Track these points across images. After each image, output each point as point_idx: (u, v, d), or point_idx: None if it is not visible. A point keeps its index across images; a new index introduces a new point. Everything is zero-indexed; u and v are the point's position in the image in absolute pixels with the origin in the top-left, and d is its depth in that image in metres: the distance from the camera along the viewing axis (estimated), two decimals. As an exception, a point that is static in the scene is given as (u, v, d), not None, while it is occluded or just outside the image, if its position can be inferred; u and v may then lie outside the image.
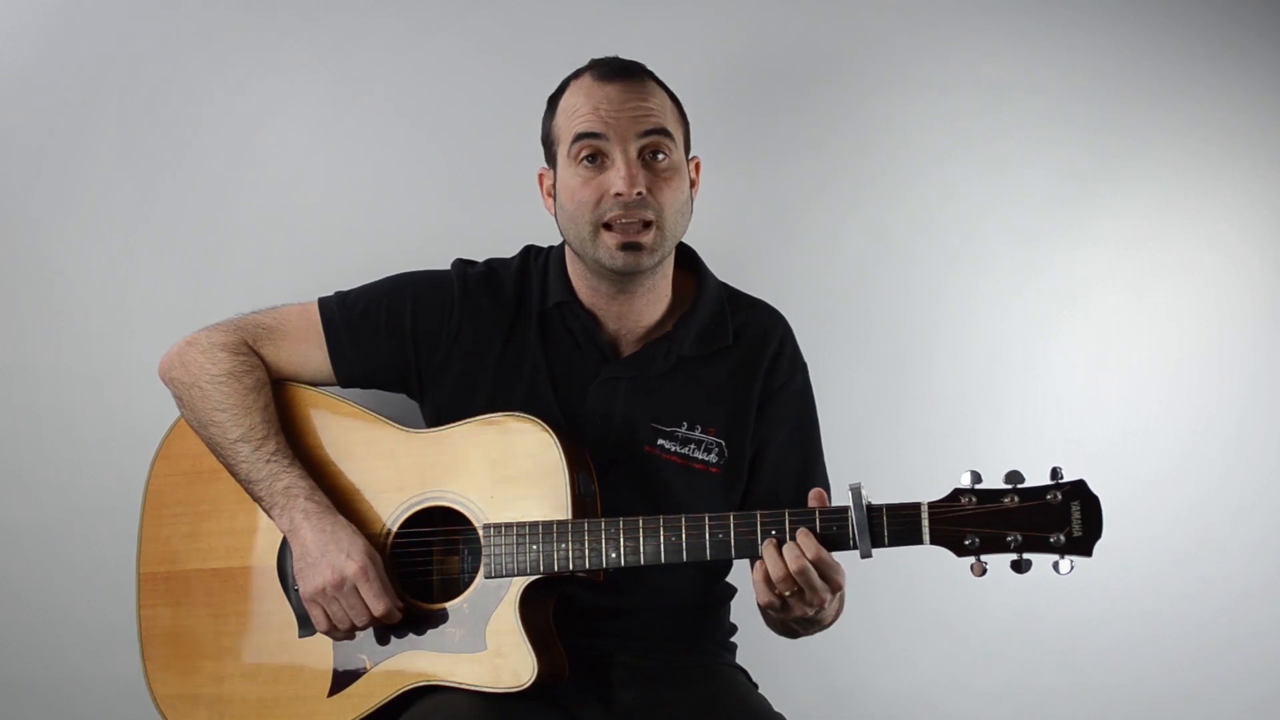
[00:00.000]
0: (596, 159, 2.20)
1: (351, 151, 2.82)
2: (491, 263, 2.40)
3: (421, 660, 2.18)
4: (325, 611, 2.18)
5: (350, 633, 2.19)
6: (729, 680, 2.36)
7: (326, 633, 2.20)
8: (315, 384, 2.35)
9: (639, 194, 2.18)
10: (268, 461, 2.24)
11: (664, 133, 2.21)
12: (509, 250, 2.43)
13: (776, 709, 2.29)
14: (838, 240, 2.84)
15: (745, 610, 2.40)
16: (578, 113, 2.21)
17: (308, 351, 2.34)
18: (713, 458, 2.30)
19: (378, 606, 2.15)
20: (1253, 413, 2.87)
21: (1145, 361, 2.86)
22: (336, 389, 2.36)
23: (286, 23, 2.80)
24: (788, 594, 2.02)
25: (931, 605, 2.83)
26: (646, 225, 2.20)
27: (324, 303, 2.36)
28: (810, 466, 2.36)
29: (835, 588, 2.03)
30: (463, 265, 2.38)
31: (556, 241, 2.38)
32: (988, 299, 2.85)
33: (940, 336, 2.85)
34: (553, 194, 2.29)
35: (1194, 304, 2.87)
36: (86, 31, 2.78)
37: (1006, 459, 2.04)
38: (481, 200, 2.80)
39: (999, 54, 2.85)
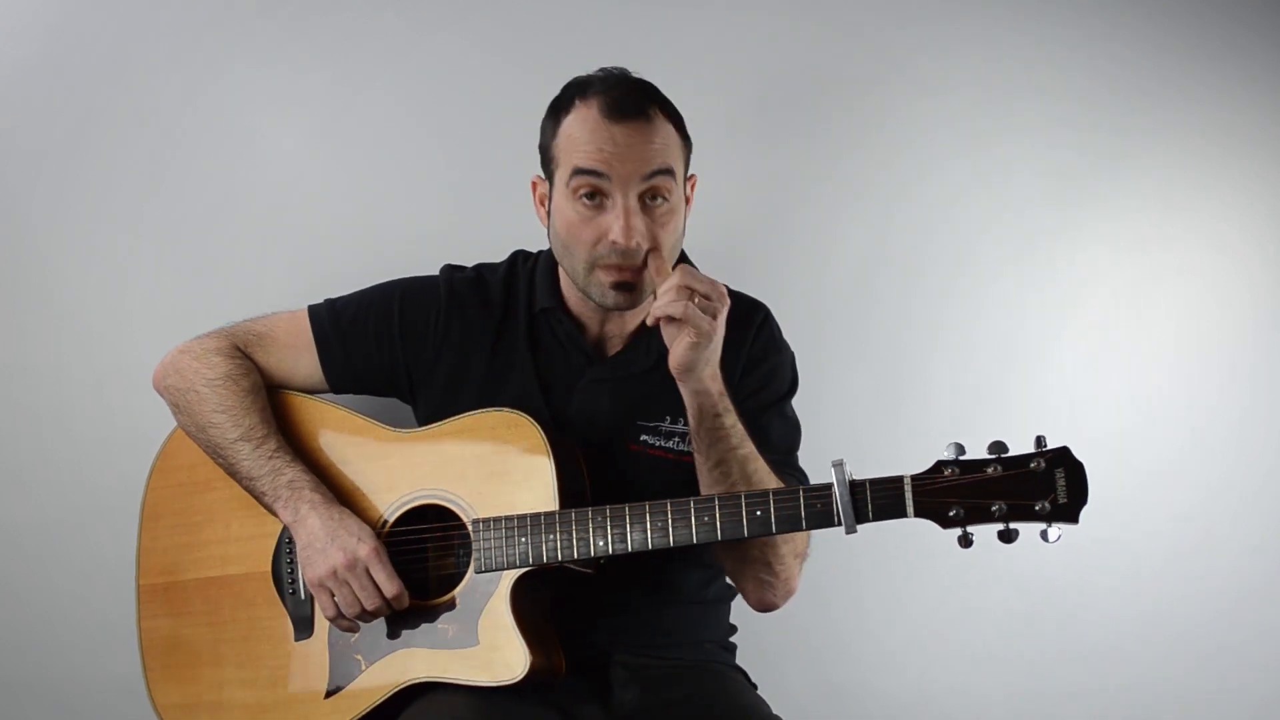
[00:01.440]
0: (595, 197, 2.17)
1: (351, 152, 2.82)
2: (480, 268, 2.40)
3: (416, 658, 2.18)
4: (333, 597, 2.18)
5: (357, 620, 2.18)
6: (728, 680, 2.35)
7: (333, 620, 2.20)
8: (306, 391, 2.36)
9: (636, 243, 2.16)
10: (270, 458, 2.25)
11: (667, 173, 2.18)
12: (505, 254, 2.43)
13: (776, 709, 2.27)
14: (837, 240, 2.84)
15: (745, 610, 2.40)
16: (580, 146, 2.16)
17: (298, 359, 2.35)
18: None
19: (390, 588, 2.15)
20: (1252, 412, 2.87)
21: (1145, 361, 2.86)
22: (326, 392, 2.38)
23: (286, 23, 2.80)
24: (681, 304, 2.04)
25: (930, 605, 2.83)
26: (640, 267, 2.19)
27: (314, 310, 2.38)
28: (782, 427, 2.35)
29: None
30: (451, 271, 2.39)
31: (547, 246, 2.37)
32: (987, 299, 2.85)
33: (940, 337, 2.84)
34: (545, 205, 2.28)
35: (1194, 304, 2.87)
36: (86, 32, 2.79)
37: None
38: (482, 202, 2.80)
39: (999, 55, 2.85)
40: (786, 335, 2.43)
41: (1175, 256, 2.87)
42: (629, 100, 2.18)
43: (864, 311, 2.84)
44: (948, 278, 2.84)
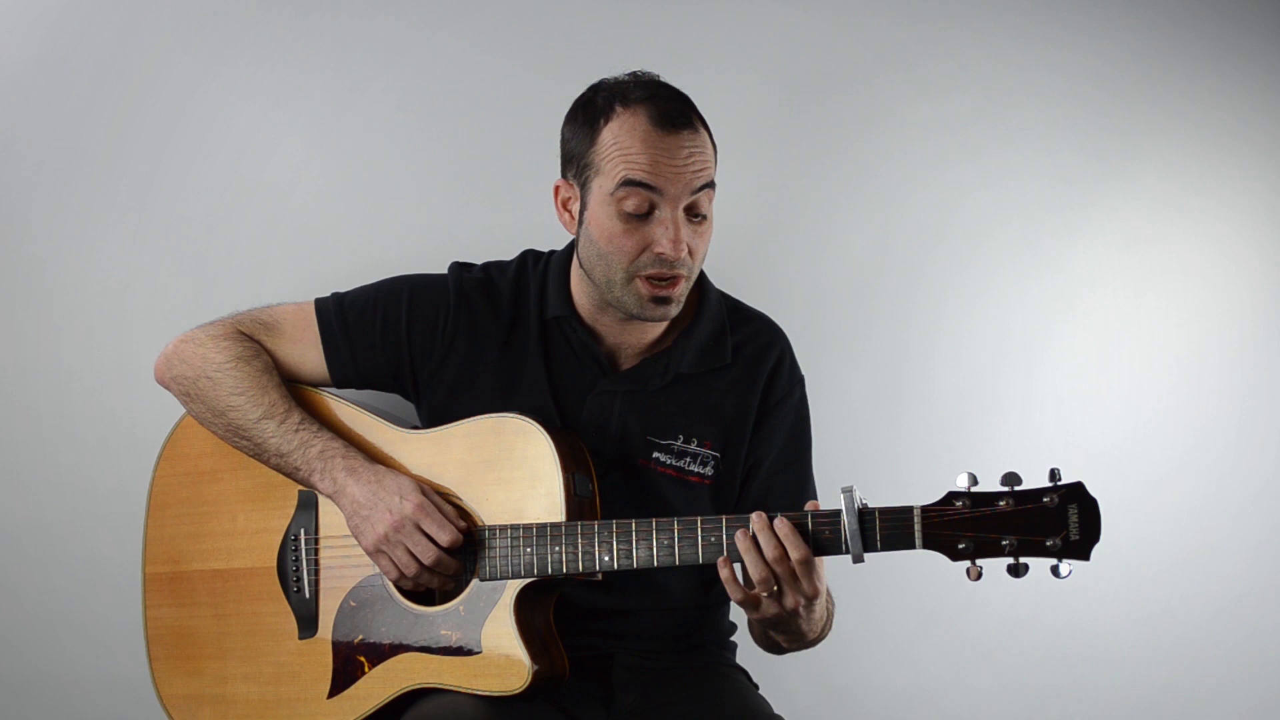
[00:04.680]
0: (643, 208, 2.14)
1: (351, 151, 2.81)
2: (489, 268, 2.38)
3: (419, 662, 2.18)
4: (391, 559, 2.17)
5: (419, 576, 2.17)
6: (729, 680, 2.36)
7: (397, 581, 2.19)
8: (311, 384, 2.35)
9: (683, 256, 2.15)
10: (296, 431, 2.25)
11: (710, 186, 2.17)
12: (508, 251, 2.42)
13: (777, 709, 2.29)
14: (837, 240, 2.84)
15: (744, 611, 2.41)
16: (632, 157, 2.12)
17: (303, 352, 2.34)
18: (709, 470, 2.28)
19: (443, 537, 2.14)
20: (1252, 413, 2.88)
21: (1145, 362, 2.87)
22: (333, 387, 2.37)
23: (286, 22, 2.79)
24: (764, 595, 2.01)
25: (932, 605, 2.84)
26: (677, 278, 2.18)
27: (320, 304, 2.36)
28: (802, 482, 2.34)
29: (813, 592, 2.01)
30: (459, 269, 2.37)
31: (555, 245, 2.37)
32: (987, 300, 2.85)
33: (940, 338, 2.85)
34: (570, 211, 2.24)
35: (1193, 305, 2.88)
36: (86, 31, 2.78)
37: (1006, 460, 2.02)
38: (482, 201, 2.80)
39: (998, 57, 2.85)
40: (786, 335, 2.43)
41: (1175, 257, 2.87)
42: (677, 109, 2.15)
43: (864, 312, 2.84)
44: (948, 279, 2.84)
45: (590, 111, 2.19)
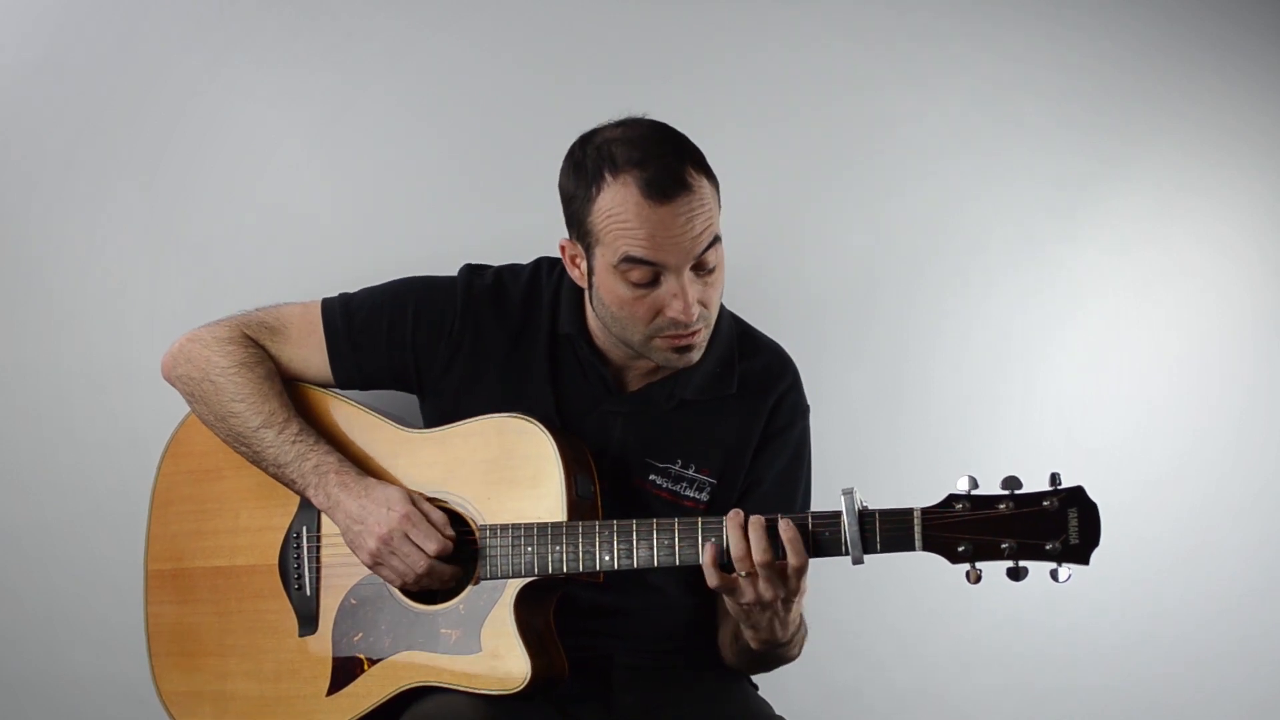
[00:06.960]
0: (646, 277, 2.11)
1: (352, 152, 2.81)
2: (502, 272, 2.36)
3: (418, 660, 2.19)
4: (389, 570, 2.18)
5: (418, 582, 2.18)
6: (730, 681, 2.36)
7: (401, 589, 2.21)
8: (314, 384, 2.36)
9: (697, 315, 2.13)
10: (294, 442, 2.25)
11: (715, 241, 2.14)
12: (510, 252, 2.42)
13: (777, 709, 2.30)
14: (836, 241, 2.84)
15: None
16: (630, 231, 2.07)
17: (308, 355, 2.34)
18: (704, 496, 2.28)
19: (430, 546, 2.15)
20: (1252, 414, 2.87)
21: (1145, 363, 2.86)
22: (332, 387, 2.37)
23: (287, 22, 2.79)
24: (743, 575, 2.01)
25: (932, 606, 2.83)
26: (696, 330, 2.16)
27: (327, 306, 2.36)
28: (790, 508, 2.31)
29: (793, 587, 2.01)
30: (470, 272, 2.35)
31: (558, 243, 2.37)
32: (987, 301, 2.84)
33: (939, 339, 2.84)
34: (579, 268, 2.20)
35: (1194, 305, 2.87)
36: (86, 31, 2.77)
37: (1006, 461, 2.03)
38: (483, 202, 2.79)
39: (999, 57, 2.84)
40: (785, 337, 2.42)
41: (1175, 258, 2.86)
42: (668, 174, 2.08)
43: (864, 312, 2.84)
44: (948, 279, 2.84)
45: (582, 175, 2.13)
